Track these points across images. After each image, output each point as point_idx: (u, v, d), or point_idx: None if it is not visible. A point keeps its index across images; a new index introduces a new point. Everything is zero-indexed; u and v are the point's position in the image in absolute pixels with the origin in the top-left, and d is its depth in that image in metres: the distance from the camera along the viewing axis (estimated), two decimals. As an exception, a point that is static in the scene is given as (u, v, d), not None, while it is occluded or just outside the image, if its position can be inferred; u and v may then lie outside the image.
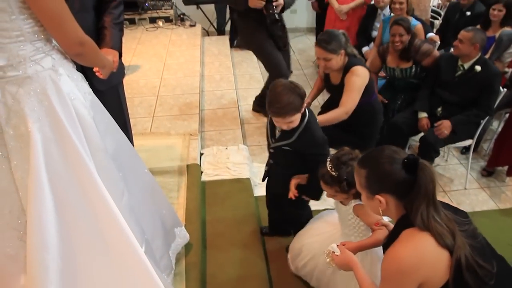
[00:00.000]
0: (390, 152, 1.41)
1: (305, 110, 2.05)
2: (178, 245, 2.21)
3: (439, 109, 3.12)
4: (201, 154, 3.32)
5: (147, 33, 5.80)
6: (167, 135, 3.43)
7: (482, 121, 3.04)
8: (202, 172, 3.10)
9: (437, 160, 3.54)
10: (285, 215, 2.47)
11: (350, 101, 2.60)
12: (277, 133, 2.13)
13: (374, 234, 1.80)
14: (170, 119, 3.67)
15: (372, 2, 4.25)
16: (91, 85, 1.98)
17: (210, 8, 6.11)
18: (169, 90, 4.22)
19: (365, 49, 4.23)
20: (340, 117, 2.59)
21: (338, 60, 2.59)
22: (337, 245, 1.70)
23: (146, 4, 6.02)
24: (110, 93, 2.15)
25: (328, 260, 1.71)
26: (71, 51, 1.45)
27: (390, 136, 3.20)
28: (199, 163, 3.15)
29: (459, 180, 3.38)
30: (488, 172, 3.43)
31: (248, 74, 5.08)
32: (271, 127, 2.17)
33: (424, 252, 1.32)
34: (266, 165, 2.35)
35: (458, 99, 3.03)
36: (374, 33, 4.26)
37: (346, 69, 2.63)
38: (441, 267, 1.32)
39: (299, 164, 2.15)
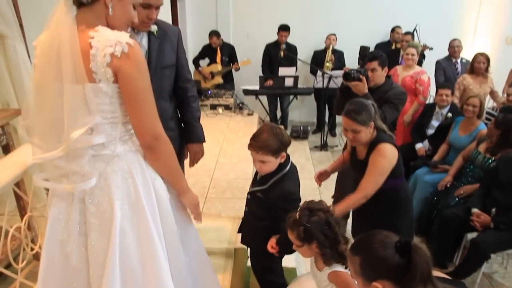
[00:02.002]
0: (381, 237, 1.41)
1: (286, 162, 2.09)
2: None
3: (493, 210, 3.03)
4: (249, 238, 3.34)
5: (207, 118, 6.17)
6: (217, 217, 3.51)
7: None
8: (248, 257, 3.10)
9: (495, 266, 3.34)
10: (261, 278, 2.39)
11: (371, 184, 2.33)
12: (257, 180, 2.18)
13: None
14: (222, 202, 3.78)
15: (430, 101, 4.34)
16: None
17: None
18: (223, 174, 4.39)
19: (418, 145, 4.25)
20: (358, 202, 2.32)
21: (367, 133, 2.39)
22: None
23: (209, 92, 6.49)
24: None
25: None
26: (143, 141, 1.48)
27: (439, 231, 3.15)
28: (246, 248, 3.16)
29: (521, 291, 3.14)
30: (554, 284, 3.18)
31: (300, 164, 5.18)
32: (256, 174, 2.22)
33: None
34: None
35: (511, 201, 2.95)
36: (429, 131, 4.29)
37: (372, 144, 2.42)
38: None
39: (271, 218, 2.10)
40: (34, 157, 1.46)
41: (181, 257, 1.63)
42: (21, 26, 3.03)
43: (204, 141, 2.40)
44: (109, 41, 1.33)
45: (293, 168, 2.17)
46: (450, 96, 4.12)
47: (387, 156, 2.36)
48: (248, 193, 2.24)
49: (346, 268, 1.78)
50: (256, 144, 2.04)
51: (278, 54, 6.30)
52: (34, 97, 1.44)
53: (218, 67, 6.58)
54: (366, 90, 2.99)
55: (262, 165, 2.07)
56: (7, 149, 2.65)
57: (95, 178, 1.42)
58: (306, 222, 1.77)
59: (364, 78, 2.99)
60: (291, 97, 6.37)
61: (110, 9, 1.41)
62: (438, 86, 4.34)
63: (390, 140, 2.43)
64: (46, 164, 1.49)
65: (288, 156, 2.12)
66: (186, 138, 2.33)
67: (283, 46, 6.29)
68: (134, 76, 1.38)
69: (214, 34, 6.47)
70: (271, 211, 2.10)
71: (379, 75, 3.17)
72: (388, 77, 3.27)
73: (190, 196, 1.69)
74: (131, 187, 1.45)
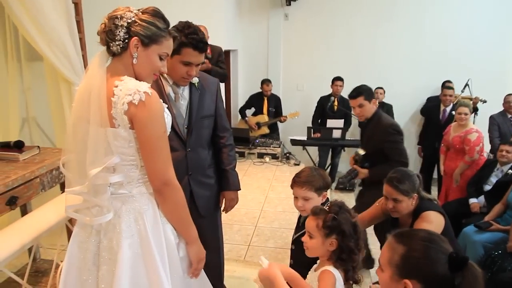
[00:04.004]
0: (437, 238, 1.26)
1: (327, 202, 2.06)
2: None
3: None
4: (291, 290, 3.26)
5: (254, 166, 6.24)
6: (260, 266, 3.45)
7: None
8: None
9: None
10: None
11: None
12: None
13: None
14: (265, 251, 3.74)
15: (490, 157, 4.18)
16: (197, 210, 2.20)
17: (314, 150, 6.47)
18: (267, 222, 4.36)
19: (472, 200, 4.04)
20: None
21: (408, 204, 2.32)
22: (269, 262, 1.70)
23: (257, 141, 6.60)
24: (209, 219, 2.36)
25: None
26: (154, 185, 1.53)
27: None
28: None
29: None
30: None
31: (346, 215, 5.07)
32: (298, 222, 2.19)
33: None
34: None
35: None
36: (487, 187, 4.10)
37: (416, 213, 2.33)
38: None
39: None
40: (66, 190, 1.58)
41: None
42: (86, 74, 3.28)
43: (240, 189, 2.44)
44: (129, 90, 1.42)
45: None
46: None
47: (433, 222, 2.28)
48: (293, 243, 2.18)
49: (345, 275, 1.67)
50: (300, 179, 2.08)
51: (331, 107, 6.36)
52: (69, 136, 1.57)
53: (265, 117, 6.71)
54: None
55: (305, 203, 2.06)
56: (64, 187, 2.80)
57: (112, 213, 1.51)
58: (334, 214, 1.70)
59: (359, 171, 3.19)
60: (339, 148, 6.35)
61: (135, 58, 1.50)
62: (501, 142, 4.19)
63: (434, 207, 2.36)
64: (78, 197, 1.59)
65: (327, 198, 2.12)
66: (222, 185, 2.39)
67: (337, 99, 6.34)
68: (148, 124, 1.45)
69: (268, 81, 6.69)
70: None
71: (368, 109, 3.08)
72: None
73: (196, 248, 1.67)
74: (142, 227, 1.51)
